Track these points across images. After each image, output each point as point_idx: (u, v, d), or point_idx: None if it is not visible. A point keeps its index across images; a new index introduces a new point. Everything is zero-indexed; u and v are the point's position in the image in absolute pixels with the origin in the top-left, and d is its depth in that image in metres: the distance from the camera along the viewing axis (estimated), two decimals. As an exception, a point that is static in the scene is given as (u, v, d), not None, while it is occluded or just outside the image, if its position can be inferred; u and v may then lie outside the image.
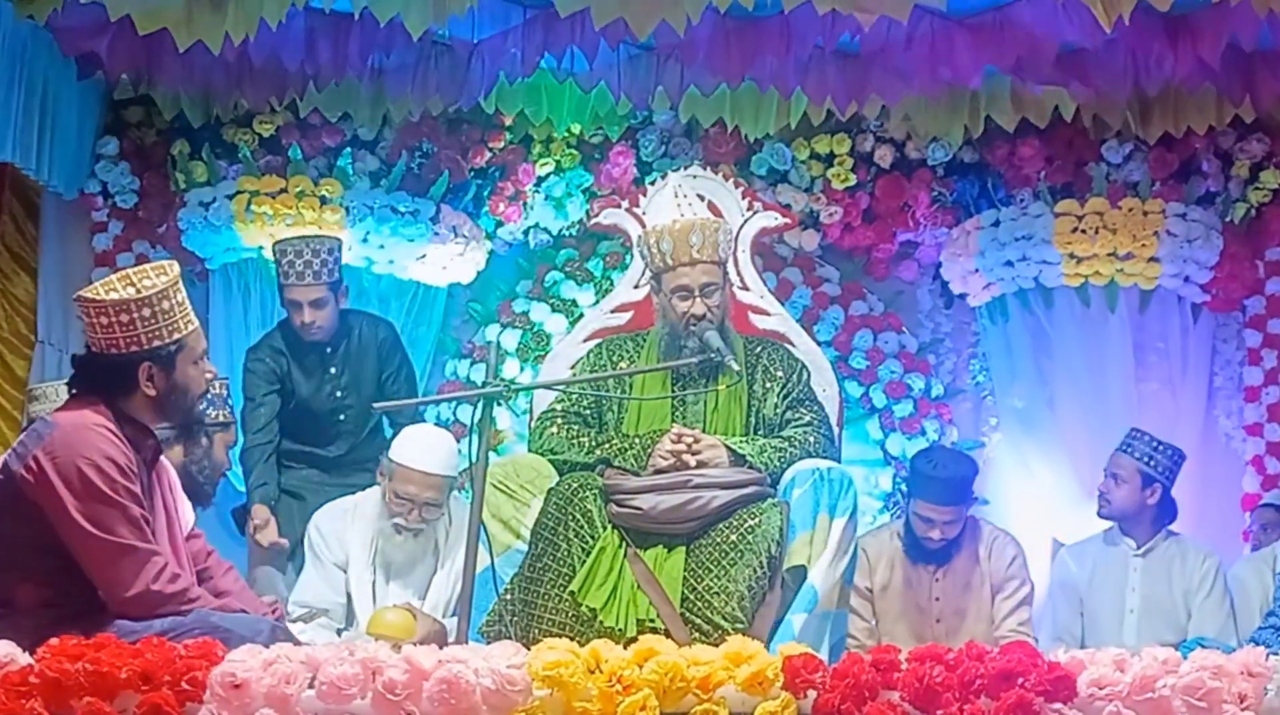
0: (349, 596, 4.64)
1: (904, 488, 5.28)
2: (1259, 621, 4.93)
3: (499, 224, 6.29)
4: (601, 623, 4.01)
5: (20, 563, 3.43)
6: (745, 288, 4.97)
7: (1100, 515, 5.22)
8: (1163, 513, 5.17)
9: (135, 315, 3.44)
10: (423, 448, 4.65)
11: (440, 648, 3.37)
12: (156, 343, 3.47)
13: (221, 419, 5.17)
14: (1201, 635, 4.89)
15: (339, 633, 4.55)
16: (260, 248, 5.89)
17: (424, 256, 6.01)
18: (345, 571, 4.65)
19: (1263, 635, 4.15)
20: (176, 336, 3.50)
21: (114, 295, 3.44)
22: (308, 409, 5.39)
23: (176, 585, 3.43)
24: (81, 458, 3.37)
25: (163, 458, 3.70)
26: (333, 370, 5.39)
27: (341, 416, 5.42)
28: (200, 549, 3.81)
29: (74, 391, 3.56)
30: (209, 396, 5.06)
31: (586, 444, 4.44)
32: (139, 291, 3.44)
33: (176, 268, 3.56)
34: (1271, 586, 4.99)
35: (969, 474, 5.07)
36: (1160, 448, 5.11)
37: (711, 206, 4.96)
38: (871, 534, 5.31)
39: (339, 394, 5.40)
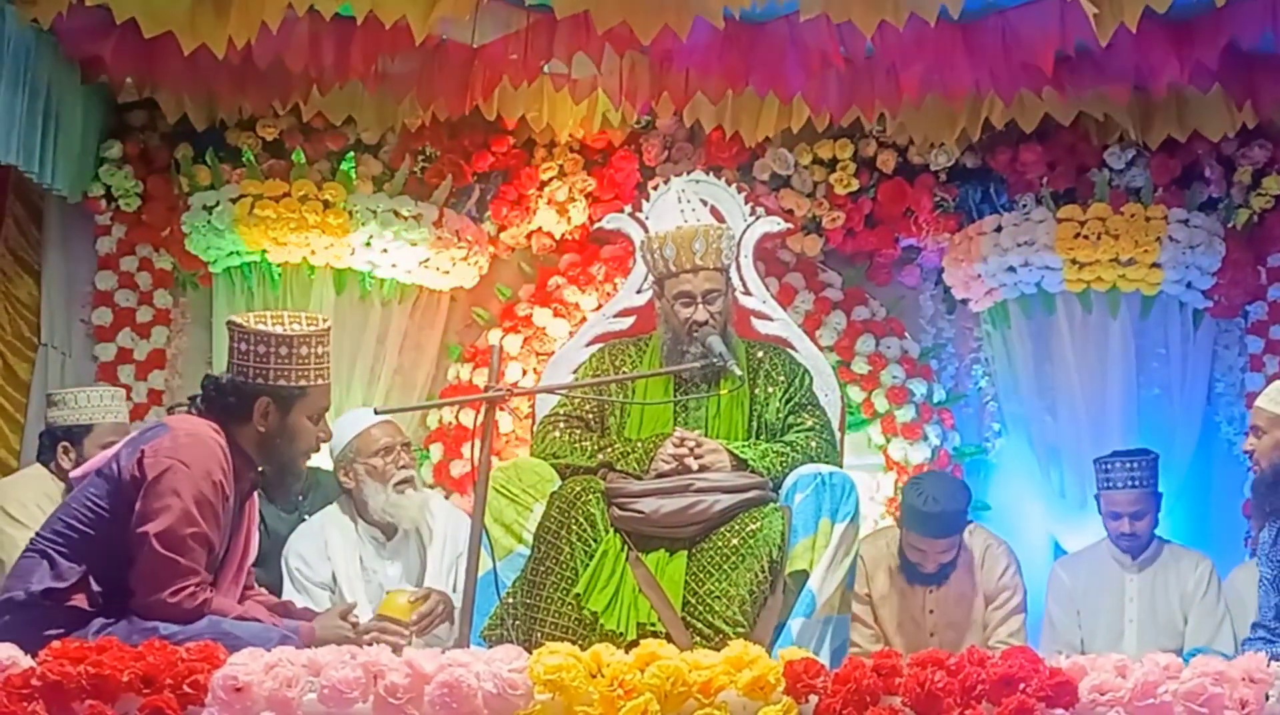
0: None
1: (896, 517, 5.27)
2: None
3: (502, 228, 6.30)
4: (603, 626, 4.01)
5: (92, 560, 3.48)
6: (748, 293, 4.98)
7: (1124, 548, 5.21)
8: (1157, 519, 5.22)
9: (271, 349, 3.53)
10: (354, 417, 4.78)
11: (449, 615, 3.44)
12: (281, 382, 3.55)
13: None
14: (1200, 645, 4.91)
15: None
16: (264, 251, 5.89)
17: (427, 261, 6.02)
18: (330, 586, 4.64)
19: (1252, 645, 4.15)
20: (302, 383, 3.58)
21: (260, 326, 3.54)
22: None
23: (194, 602, 3.47)
24: (182, 465, 3.45)
25: (255, 495, 3.76)
26: (306, 518, 5.17)
27: None
28: (248, 583, 3.86)
29: (195, 410, 3.64)
30: None
31: (589, 448, 4.45)
32: (285, 330, 3.54)
33: (329, 323, 3.65)
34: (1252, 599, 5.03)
35: (961, 506, 5.02)
36: (1150, 463, 5.14)
37: (714, 211, 4.97)
38: (868, 540, 5.30)
39: None
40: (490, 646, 3.52)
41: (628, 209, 5.22)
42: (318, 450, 3.75)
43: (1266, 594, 4.31)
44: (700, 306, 4.43)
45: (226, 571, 3.61)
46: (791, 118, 5.82)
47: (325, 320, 3.66)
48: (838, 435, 4.70)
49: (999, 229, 5.98)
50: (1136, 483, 5.12)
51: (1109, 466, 5.18)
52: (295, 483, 3.87)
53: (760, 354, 4.63)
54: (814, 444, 4.44)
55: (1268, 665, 3.06)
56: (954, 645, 4.97)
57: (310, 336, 3.57)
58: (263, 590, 3.99)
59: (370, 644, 3.99)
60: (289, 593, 4.58)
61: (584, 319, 6.01)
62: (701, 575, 4.13)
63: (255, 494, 3.79)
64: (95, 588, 3.47)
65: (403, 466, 4.67)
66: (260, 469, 3.69)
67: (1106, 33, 4.60)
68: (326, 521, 4.74)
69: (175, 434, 3.50)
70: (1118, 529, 5.17)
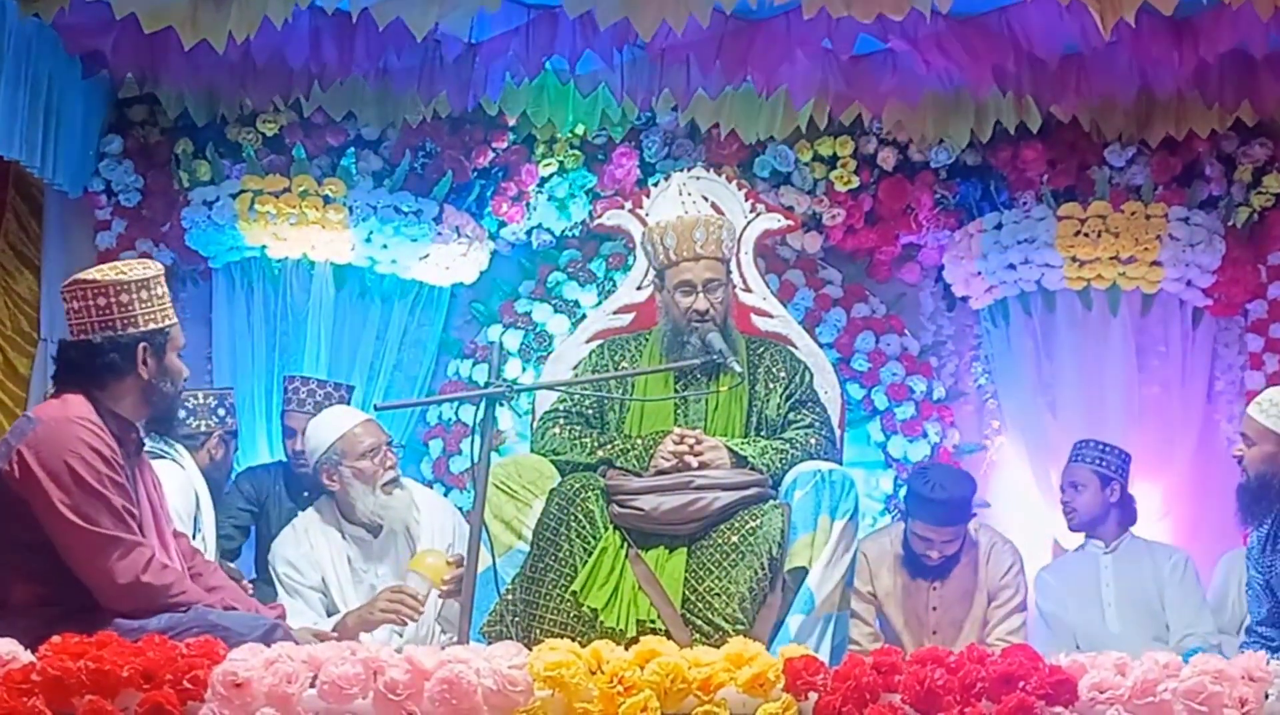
0: (329, 612, 4.59)
1: (902, 506, 5.29)
2: (1230, 614, 5.15)
3: (502, 224, 6.29)
4: (602, 623, 4.01)
5: (13, 561, 3.44)
6: (748, 289, 4.98)
7: (1071, 528, 5.40)
8: (1125, 514, 5.35)
9: (133, 296, 3.53)
10: (336, 415, 4.76)
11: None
12: (151, 326, 3.56)
13: (232, 427, 5.27)
14: (1185, 631, 5.04)
15: None
16: (264, 247, 5.90)
17: (427, 256, 6.01)
18: (322, 590, 4.62)
19: (1248, 649, 4.18)
20: (166, 323, 3.59)
21: (111, 277, 3.52)
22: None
23: (165, 577, 3.45)
24: (66, 451, 3.40)
25: (144, 454, 3.72)
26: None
27: None
28: (186, 549, 3.83)
29: (58, 385, 3.59)
30: (227, 405, 5.12)
31: (588, 444, 4.45)
32: (131, 276, 3.54)
33: (159, 265, 3.65)
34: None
35: (967, 494, 5.09)
36: (1107, 449, 5.33)
37: (715, 207, 4.97)
38: (871, 538, 5.34)
39: None
40: (489, 643, 3.52)
41: (628, 205, 5.22)
42: (184, 384, 3.74)
43: (1256, 598, 4.37)
44: (701, 295, 4.44)
45: (146, 538, 3.54)
46: (798, 116, 5.81)
47: (156, 263, 3.66)
48: (837, 432, 4.71)
49: (999, 226, 5.98)
50: (1091, 462, 5.31)
51: (1084, 445, 5.39)
52: (177, 423, 3.88)
53: (761, 350, 4.63)
54: (814, 441, 4.45)
55: (1267, 664, 3.07)
56: (956, 643, 5.00)
57: (158, 276, 3.59)
58: (215, 565, 3.94)
59: (382, 613, 4.02)
60: (281, 598, 4.56)
61: (584, 315, 6.01)
62: (701, 572, 4.13)
63: (145, 459, 3.74)
64: (35, 589, 3.43)
65: (389, 467, 4.65)
66: (139, 425, 3.65)
67: (1108, 27, 4.59)
68: (309, 526, 4.71)
69: (47, 425, 3.45)
70: (1062, 499, 5.38)
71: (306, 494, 5.15)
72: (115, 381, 3.54)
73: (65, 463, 3.39)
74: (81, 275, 3.57)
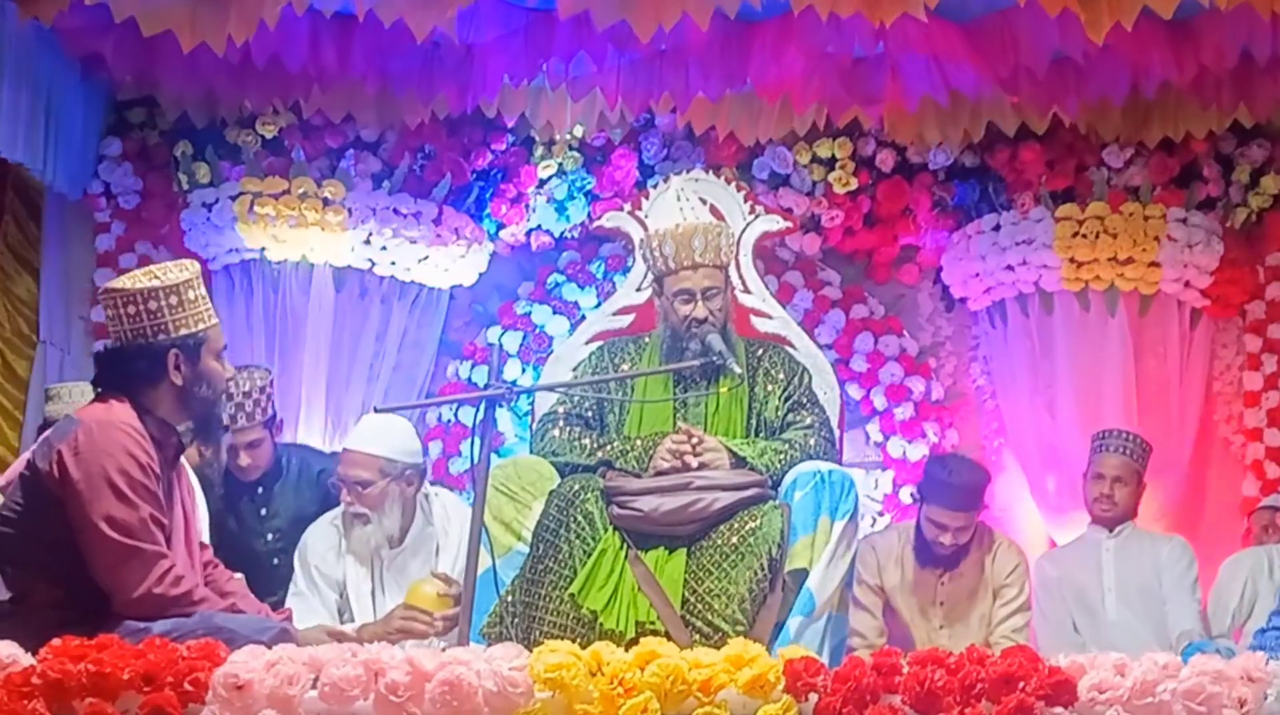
0: (340, 612, 4.56)
1: (915, 493, 5.31)
2: (1234, 608, 5.14)
3: (501, 226, 6.30)
4: (602, 625, 4.01)
5: (42, 560, 3.45)
6: (747, 291, 4.99)
7: (1102, 521, 5.33)
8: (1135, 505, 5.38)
9: (163, 303, 3.52)
10: (361, 430, 4.67)
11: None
12: (183, 331, 3.55)
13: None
14: (1181, 616, 5.06)
15: None
16: (263, 249, 5.90)
17: (426, 258, 6.02)
18: (338, 589, 4.57)
19: (1265, 639, 4.19)
20: (200, 327, 3.58)
21: (141, 284, 3.52)
22: (239, 556, 4.71)
23: (180, 588, 3.45)
24: (104, 455, 3.41)
25: (181, 459, 3.73)
26: (263, 511, 5.03)
27: (276, 561, 4.90)
28: (207, 559, 3.84)
29: (98, 389, 3.60)
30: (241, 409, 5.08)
31: (588, 446, 4.45)
32: (163, 282, 3.53)
33: (196, 266, 3.64)
34: (1253, 582, 5.10)
35: (982, 481, 5.12)
36: (1141, 443, 5.32)
37: (713, 209, 4.98)
38: (880, 534, 5.39)
39: (271, 537, 4.99)
40: (489, 644, 3.52)
41: (627, 207, 5.22)
42: (228, 388, 3.73)
43: None
44: (700, 303, 4.44)
45: (174, 547, 3.56)
46: (791, 117, 5.81)
47: (193, 264, 3.65)
48: (836, 433, 4.71)
49: (997, 228, 5.99)
50: (1126, 453, 5.29)
51: (1124, 437, 5.35)
52: (219, 427, 3.87)
53: (759, 352, 4.64)
54: (813, 442, 4.45)
55: (1266, 664, 3.07)
56: (962, 638, 5.02)
57: (191, 280, 3.58)
58: (232, 574, 3.92)
59: (399, 631, 4.02)
60: (300, 588, 4.55)
61: (583, 317, 6.02)
62: (701, 573, 4.13)
63: (183, 465, 3.74)
64: (55, 590, 3.44)
65: (349, 501, 4.50)
66: (180, 431, 3.65)
67: (1100, 33, 4.61)
68: (339, 522, 4.65)
69: (86, 426, 3.45)
70: (1099, 490, 5.32)
71: (260, 489, 5.01)
72: (150, 388, 3.55)
73: (102, 467, 3.40)
74: (112, 283, 3.58)
